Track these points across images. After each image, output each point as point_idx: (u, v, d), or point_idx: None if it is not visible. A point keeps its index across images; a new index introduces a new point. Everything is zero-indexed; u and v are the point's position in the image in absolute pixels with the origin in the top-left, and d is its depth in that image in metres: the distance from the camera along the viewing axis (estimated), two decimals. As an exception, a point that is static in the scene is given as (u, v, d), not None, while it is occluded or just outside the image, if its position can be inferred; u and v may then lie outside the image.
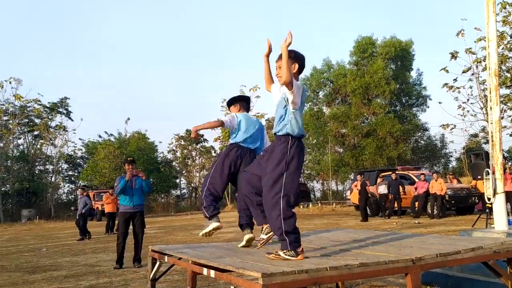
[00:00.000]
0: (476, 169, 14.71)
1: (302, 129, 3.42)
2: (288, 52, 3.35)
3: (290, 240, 3.23)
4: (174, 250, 4.10)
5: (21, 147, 41.87)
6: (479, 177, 16.85)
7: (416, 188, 16.87)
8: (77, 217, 15.26)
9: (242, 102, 4.83)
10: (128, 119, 41.95)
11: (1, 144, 38.88)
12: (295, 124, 3.39)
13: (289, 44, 3.30)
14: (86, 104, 65.96)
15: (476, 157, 14.80)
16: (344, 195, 39.11)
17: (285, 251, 3.23)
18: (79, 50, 68.11)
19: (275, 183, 3.28)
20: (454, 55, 22.32)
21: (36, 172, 40.29)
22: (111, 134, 43.10)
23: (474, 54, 22.34)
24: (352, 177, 26.95)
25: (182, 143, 43.41)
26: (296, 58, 3.49)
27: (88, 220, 16.35)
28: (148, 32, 75.01)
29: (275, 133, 3.49)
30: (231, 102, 4.80)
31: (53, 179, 40.26)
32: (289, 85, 3.28)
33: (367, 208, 17.48)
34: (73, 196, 41.96)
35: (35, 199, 38.80)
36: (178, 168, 44.19)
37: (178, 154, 43.76)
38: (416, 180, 17.79)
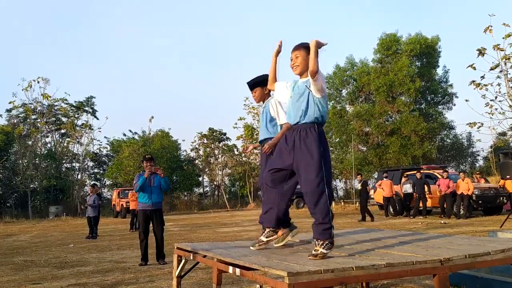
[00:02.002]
0: (504, 168, 14.39)
1: (326, 116, 3.55)
2: (304, 43, 3.49)
3: (331, 226, 3.32)
4: (199, 248, 4.14)
5: (48, 145, 42.92)
6: (507, 176, 16.46)
7: (439, 186, 16.55)
8: (88, 215, 14.63)
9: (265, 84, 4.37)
10: (152, 117, 42.36)
11: (30, 142, 39.90)
12: (323, 111, 3.50)
13: (320, 46, 3.37)
14: (111, 103, 67.11)
15: (504, 156, 14.44)
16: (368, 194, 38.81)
17: (326, 243, 3.25)
18: (105, 49, 69.31)
19: (318, 171, 3.33)
20: (481, 52, 21.78)
21: (63, 169, 41.18)
22: (135, 133, 43.74)
23: (502, 50, 21.77)
24: (376, 176, 26.65)
25: (205, 141, 43.68)
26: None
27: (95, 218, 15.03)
28: (173, 31, 75.74)
29: (297, 123, 3.48)
30: (260, 83, 4.39)
31: (79, 176, 41.09)
32: (316, 73, 3.35)
33: (365, 209, 17.00)
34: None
35: (62, 196, 39.67)
36: (201, 166, 44.50)
37: (201, 152, 44.06)
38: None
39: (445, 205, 16.61)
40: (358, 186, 18.13)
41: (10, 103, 39.91)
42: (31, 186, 37.74)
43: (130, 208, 17.76)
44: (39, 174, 37.75)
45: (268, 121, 4.32)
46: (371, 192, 21.95)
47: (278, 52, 3.82)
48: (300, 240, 4.27)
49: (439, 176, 17.92)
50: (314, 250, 3.27)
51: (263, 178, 4.13)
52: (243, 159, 40.31)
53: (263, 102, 4.47)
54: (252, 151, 4.91)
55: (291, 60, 3.59)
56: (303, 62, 3.52)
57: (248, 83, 4.44)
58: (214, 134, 43.64)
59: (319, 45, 3.38)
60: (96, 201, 14.59)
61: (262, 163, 4.38)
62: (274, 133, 4.24)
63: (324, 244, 3.27)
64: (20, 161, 38.27)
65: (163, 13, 73.80)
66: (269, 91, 4.33)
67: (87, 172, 43.81)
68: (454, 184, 16.33)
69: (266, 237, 3.78)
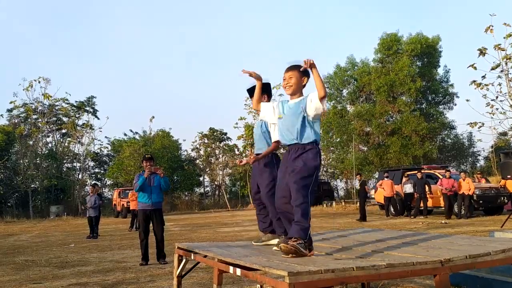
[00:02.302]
0: (505, 168, 14.38)
1: (319, 138, 3.62)
2: (297, 67, 3.52)
3: (308, 225, 3.34)
4: (200, 248, 4.14)
5: (49, 145, 42.98)
6: (508, 176, 16.44)
7: (441, 185, 16.38)
8: (89, 215, 14.58)
9: (267, 90, 4.39)
10: (153, 117, 42.43)
11: (31, 142, 39.94)
12: (318, 133, 3.56)
13: (312, 64, 3.40)
14: (112, 103, 67.16)
15: (505, 156, 14.42)
16: (368, 194, 38.81)
17: (301, 239, 3.26)
18: (106, 49, 69.36)
19: (308, 176, 3.40)
20: (482, 52, 21.75)
21: (64, 169, 41.22)
22: (136, 133, 43.77)
23: (503, 50, 21.76)
24: (377, 176, 26.66)
25: (206, 141, 43.71)
26: (305, 72, 3.58)
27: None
28: (173, 31, 75.75)
29: (294, 144, 3.52)
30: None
31: (80, 176, 41.13)
32: (324, 98, 3.44)
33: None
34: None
35: (63, 196, 39.71)
36: (201, 166, 44.52)
37: (201, 152, 44.09)
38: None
39: (450, 205, 16.33)
40: (358, 185, 18.14)
41: (11, 103, 40.02)
42: (32, 186, 37.79)
43: (130, 208, 17.83)
44: (40, 174, 37.79)
45: (267, 133, 4.34)
46: (372, 192, 21.96)
47: (258, 78, 3.84)
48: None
49: (440, 176, 17.90)
50: (288, 241, 3.26)
51: (256, 197, 4.35)
52: (244, 159, 40.31)
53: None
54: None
55: (284, 80, 3.62)
56: (296, 83, 3.57)
57: (248, 89, 4.45)
58: (215, 134, 43.66)
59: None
60: (97, 201, 14.59)
61: (253, 179, 4.48)
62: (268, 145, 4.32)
63: (297, 243, 3.23)
64: (21, 161, 38.31)
65: (163, 13, 73.87)
66: (268, 100, 4.36)
67: (88, 172, 43.86)
68: (452, 181, 16.18)
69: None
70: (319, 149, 3.54)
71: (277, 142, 4.13)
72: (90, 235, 14.32)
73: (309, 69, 3.43)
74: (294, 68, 3.58)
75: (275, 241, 4.19)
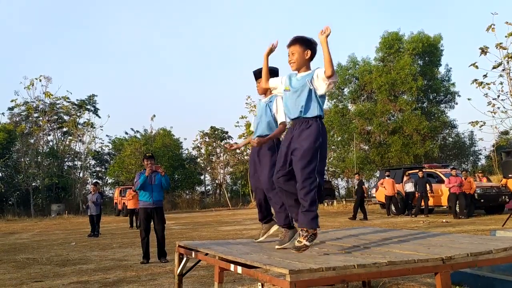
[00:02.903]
0: (506, 167, 14.39)
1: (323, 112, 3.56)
2: (301, 37, 3.46)
3: (316, 215, 3.35)
4: (201, 246, 4.14)
5: (50, 143, 43.04)
6: (510, 175, 16.38)
7: (449, 184, 15.84)
8: (91, 213, 14.51)
9: (274, 74, 4.11)
10: (154, 116, 42.48)
11: (32, 141, 40.00)
12: (322, 107, 3.50)
13: (329, 34, 3.29)
14: (113, 101, 67.17)
15: (507, 155, 14.42)
16: (370, 192, 38.78)
17: (310, 234, 3.30)
18: (107, 48, 69.34)
19: (312, 160, 3.35)
20: (484, 50, 21.70)
21: (65, 168, 41.28)
22: (137, 131, 43.82)
23: (505, 49, 21.70)
24: (378, 175, 26.63)
25: (207, 139, 43.71)
26: (308, 44, 3.50)
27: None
28: (175, 31, 75.73)
29: (298, 117, 3.47)
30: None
31: (81, 174, 41.17)
32: (332, 77, 3.32)
33: (357, 208, 16.84)
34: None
35: (64, 194, 39.75)
36: (202, 165, 44.53)
37: (202, 150, 44.09)
38: (444, 177, 17.46)
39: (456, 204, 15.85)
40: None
41: (12, 101, 40.09)
42: (33, 184, 37.83)
43: (128, 207, 17.89)
44: (41, 172, 37.83)
45: (273, 118, 4.13)
46: (373, 191, 21.97)
47: (271, 51, 3.78)
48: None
49: (442, 176, 17.88)
50: (298, 242, 3.31)
51: (254, 181, 4.19)
52: (245, 157, 40.32)
53: (265, 96, 4.28)
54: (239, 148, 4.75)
55: (288, 56, 3.56)
56: (299, 59, 3.50)
57: (254, 72, 4.29)
58: (216, 132, 43.64)
59: (327, 37, 3.29)
60: (99, 199, 14.61)
61: (251, 162, 4.25)
62: (272, 131, 4.09)
63: (308, 236, 3.32)
64: (22, 159, 38.36)
65: (165, 12, 73.82)
66: None
67: (89, 171, 43.91)
68: (460, 179, 15.80)
69: (309, 242, 3.45)
70: (322, 124, 3.48)
71: (283, 124, 4.01)
72: (91, 234, 14.33)
73: (320, 38, 3.29)
74: (295, 42, 3.50)
75: (274, 228, 4.17)
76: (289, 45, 3.53)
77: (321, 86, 3.40)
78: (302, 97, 3.46)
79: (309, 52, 3.49)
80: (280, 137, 4.16)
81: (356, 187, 17.66)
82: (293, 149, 3.44)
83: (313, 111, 3.43)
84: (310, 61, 3.53)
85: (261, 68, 4.19)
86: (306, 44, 3.48)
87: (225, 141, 43.80)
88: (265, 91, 4.28)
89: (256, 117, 4.34)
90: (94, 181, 28.17)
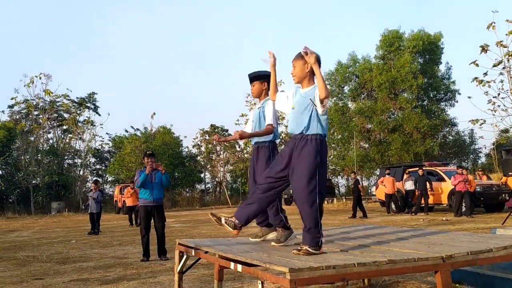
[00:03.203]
0: (506, 165, 14.37)
1: (327, 131, 3.54)
2: (299, 55, 3.49)
3: (320, 235, 3.32)
4: (201, 244, 4.14)
5: (50, 141, 43.02)
6: (510, 173, 16.33)
7: (455, 181, 15.49)
8: (91, 211, 14.56)
9: (269, 79, 4.17)
10: (154, 114, 42.41)
11: (32, 138, 39.99)
12: (325, 126, 3.49)
13: (316, 60, 3.37)
14: (113, 99, 67.14)
15: (507, 153, 14.41)
16: (369, 190, 38.80)
17: (313, 247, 3.26)
18: (107, 46, 69.29)
19: (311, 179, 3.32)
20: (484, 48, 21.68)
21: (65, 165, 41.27)
22: (137, 129, 43.78)
23: (505, 47, 21.69)
24: (378, 173, 26.63)
25: (207, 137, 43.69)
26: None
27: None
28: (175, 28, 75.64)
29: (298, 134, 3.48)
30: (260, 78, 4.23)
31: (81, 172, 41.17)
32: (326, 100, 3.36)
33: (355, 206, 16.85)
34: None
35: (64, 192, 39.76)
36: (202, 163, 44.52)
37: (202, 148, 44.05)
38: (444, 175, 17.47)
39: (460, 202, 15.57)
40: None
41: (12, 99, 40.05)
42: (33, 182, 37.83)
43: (127, 205, 17.95)
44: (41, 170, 37.83)
45: (263, 123, 4.18)
46: (373, 189, 21.98)
47: (275, 60, 3.83)
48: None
49: (442, 174, 17.89)
50: (300, 247, 3.29)
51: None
52: (245, 155, 40.33)
53: (260, 100, 4.33)
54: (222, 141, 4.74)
55: (292, 68, 3.61)
56: (299, 73, 3.53)
57: (249, 75, 4.34)
58: (216, 130, 43.61)
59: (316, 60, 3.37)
60: (99, 197, 14.63)
61: (250, 171, 4.30)
62: (269, 138, 4.13)
63: (310, 250, 3.27)
64: (22, 157, 38.34)
65: (164, 10, 73.74)
66: (268, 88, 4.20)
67: (89, 168, 43.91)
68: (466, 177, 15.54)
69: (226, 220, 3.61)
70: (323, 142, 3.46)
71: (271, 126, 4.04)
72: (92, 231, 14.34)
73: (309, 61, 3.37)
74: (296, 57, 3.55)
75: (272, 235, 4.17)
76: (293, 60, 3.59)
77: (318, 106, 3.43)
78: (304, 116, 3.47)
79: (309, 66, 3.50)
80: (267, 139, 4.14)
81: (352, 186, 17.71)
82: (292, 168, 3.43)
83: (313, 130, 3.43)
84: (313, 74, 3.52)
85: (256, 71, 4.29)
86: (310, 64, 3.48)
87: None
88: (260, 95, 4.32)
89: (251, 122, 4.36)
90: (95, 179, 28.19)
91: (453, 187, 15.93)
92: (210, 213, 3.78)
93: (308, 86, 3.53)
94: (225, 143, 42.79)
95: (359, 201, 16.92)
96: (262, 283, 4.31)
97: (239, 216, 3.61)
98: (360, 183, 18.02)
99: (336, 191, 38.69)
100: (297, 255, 3.22)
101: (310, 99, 3.46)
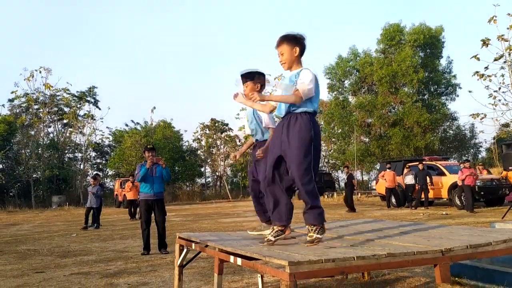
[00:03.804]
0: (507, 160, 14.35)
1: (317, 106, 3.48)
2: (286, 36, 3.45)
3: (323, 210, 3.37)
4: (201, 238, 4.15)
5: (51, 135, 43.04)
6: (510, 167, 16.29)
7: (463, 175, 15.15)
8: (91, 206, 14.31)
9: (263, 77, 4.18)
10: (154, 108, 42.46)
11: (32, 132, 39.99)
12: (314, 103, 3.44)
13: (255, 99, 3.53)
14: (113, 93, 67.06)
15: (507, 147, 14.39)
16: (369, 185, 38.83)
17: (319, 228, 3.31)
18: (107, 40, 69.12)
19: (307, 155, 3.31)
20: (485, 42, 21.62)
21: (66, 159, 41.30)
22: (137, 123, 43.79)
23: (506, 41, 21.66)
24: (378, 167, 26.64)
25: (207, 132, 43.69)
26: (295, 41, 3.47)
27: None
28: (175, 22, 75.40)
29: (287, 113, 3.44)
30: (252, 77, 4.16)
31: (81, 166, 41.22)
32: (300, 101, 3.36)
33: (349, 201, 16.94)
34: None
35: (65, 186, 39.83)
36: (203, 157, 44.55)
37: (203, 142, 44.08)
38: (445, 170, 17.47)
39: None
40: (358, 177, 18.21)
41: (12, 92, 40.04)
42: (34, 176, 37.88)
43: (127, 198, 18.00)
44: (42, 164, 37.87)
45: (260, 123, 4.22)
46: (373, 183, 22.00)
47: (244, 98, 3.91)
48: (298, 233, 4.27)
49: (442, 168, 17.89)
50: (309, 237, 3.31)
51: (252, 186, 4.19)
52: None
53: None
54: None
55: (278, 57, 3.55)
56: (289, 58, 3.47)
57: (241, 74, 4.24)
58: (216, 124, 43.60)
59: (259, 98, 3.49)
60: (99, 191, 14.55)
61: (252, 168, 4.30)
62: (269, 136, 4.13)
63: (317, 230, 3.33)
64: (23, 151, 38.38)
65: (165, 5, 73.46)
66: (261, 88, 4.18)
67: (90, 162, 43.95)
68: (473, 170, 15.40)
69: (274, 237, 3.54)
70: (313, 118, 3.42)
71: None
72: (85, 226, 13.84)
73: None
74: (282, 42, 3.47)
75: (269, 231, 4.17)
76: (277, 46, 3.51)
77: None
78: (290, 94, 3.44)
79: (297, 49, 3.45)
80: (266, 138, 4.18)
81: (345, 180, 17.78)
82: (285, 146, 3.38)
83: (303, 107, 3.38)
84: (301, 56, 3.50)
85: (249, 70, 4.22)
86: (293, 41, 3.45)
87: (226, 133, 43.81)
88: None
89: (247, 123, 4.37)
90: (95, 173, 28.21)
91: (455, 181, 15.95)
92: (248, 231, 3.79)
93: (296, 69, 3.48)
94: (227, 138, 42.89)
95: (352, 194, 17.08)
96: (262, 276, 4.32)
97: (278, 219, 3.58)
98: (354, 177, 18.02)
99: (336, 185, 38.72)
100: (296, 246, 3.23)
101: (295, 80, 3.42)
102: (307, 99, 3.37)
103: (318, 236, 3.31)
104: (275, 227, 3.55)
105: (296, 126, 3.36)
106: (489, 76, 22.67)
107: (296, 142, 3.33)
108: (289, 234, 3.79)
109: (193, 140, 44.63)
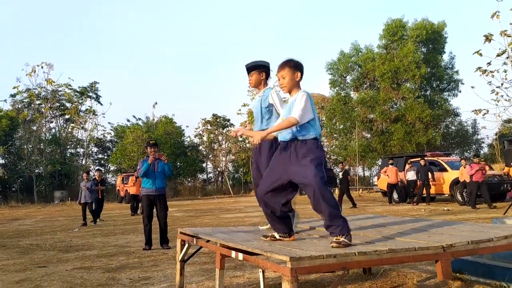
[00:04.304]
0: (509, 156, 14.28)
1: (319, 131, 3.51)
2: (289, 61, 3.52)
3: (345, 223, 3.30)
4: (202, 233, 4.16)
5: (53, 130, 43.13)
6: (512, 163, 16.12)
7: (471, 171, 14.98)
8: (86, 201, 14.28)
9: (266, 69, 4.27)
10: (156, 103, 42.46)
11: (34, 128, 40.05)
12: (316, 129, 3.45)
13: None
14: (115, 89, 67.06)
15: (509, 143, 14.34)
16: (371, 181, 38.79)
17: (347, 234, 3.21)
18: (109, 35, 69.02)
19: (317, 172, 3.26)
20: (488, 38, 21.48)
21: (68, 155, 41.39)
22: (139, 119, 43.82)
23: (509, 36, 21.50)
24: (380, 163, 26.61)
25: (209, 127, 43.70)
26: (296, 67, 3.53)
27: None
28: (177, 19, 75.24)
29: (291, 139, 3.44)
30: (257, 68, 4.26)
31: (83, 162, 41.30)
32: (298, 123, 3.36)
33: (341, 198, 16.87)
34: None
35: (67, 181, 39.93)
36: (204, 153, 44.59)
37: (204, 138, 44.12)
38: (446, 166, 17.44)
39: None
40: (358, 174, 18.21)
41: (14, 88, 40.08)
42: (36, 171, 37.98)
43: (130, 193, 18.05)
44: (44, 159, 37.96)
45: (264, 112, 4.20)
46: (375, 179, 21.99)
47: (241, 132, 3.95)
48: (310, 227, 4.28)
49: (444, 164, 17.88)
50: (336, 239, 3.17)
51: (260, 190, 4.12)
52: (247, 145, 40.35)
53: (259, 90, 4.35)
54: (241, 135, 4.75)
55: (278, 80, 3.57)
56: (290, 82, 3.50)
57: (246, 65, 4.31)
58: (218, 120, 43.61)
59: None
60: (93, 186, 14.32)
61: (254, 162, 4.30)
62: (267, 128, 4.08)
63: (346, 236, 3.19)
64: (25, 146, 38.47)
65: (167, 2, 73.28)
66: (266, 78, 4.26)
67: (92, 158, 44.04)
68: (482, 166, 15.15)
69: (279, 235, 3.60)
70: (319, 143, 3.42)
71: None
72: (84, 223, 13.76)
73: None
74: (284, 66, 3.52)
75: None
76: (279, 70, 3.56)
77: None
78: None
79: (299, 74, 3.52)
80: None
81: (341, 176, 17.75)
82: (294, 171, 3.34)
83: (307, 134, 3.39)
84: (300, 81, 3.56)
85: (253, 61, 4.31)
86: (295, 67, 3.51)
87: (227, 129, 43.81)
88: (258, 84, 4.33)
89: (255, 112, 4.38)
90: (97, 168, 28.32)
91: (457, 177, 15.93)
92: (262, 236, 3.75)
93: (296, 93, 3.51)
94: (228, 133, 42.85)
95: (343, 192, 17.06)
96: (263, 271, 4.33)
97: (281, 230, 3.62)
98: (349, 173, 18.03)
99: (337, 181, 38.68)
100: (298, 242, 3.23)
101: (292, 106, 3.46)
102: (307, 123, 3.38)
103: (346, 240, 3.16)
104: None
105: (303, 149, 3.36)
106: (491, 71, 22.54)
107: (303, 164, 3.30)
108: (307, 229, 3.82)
109: (195, 136, 44.70)
